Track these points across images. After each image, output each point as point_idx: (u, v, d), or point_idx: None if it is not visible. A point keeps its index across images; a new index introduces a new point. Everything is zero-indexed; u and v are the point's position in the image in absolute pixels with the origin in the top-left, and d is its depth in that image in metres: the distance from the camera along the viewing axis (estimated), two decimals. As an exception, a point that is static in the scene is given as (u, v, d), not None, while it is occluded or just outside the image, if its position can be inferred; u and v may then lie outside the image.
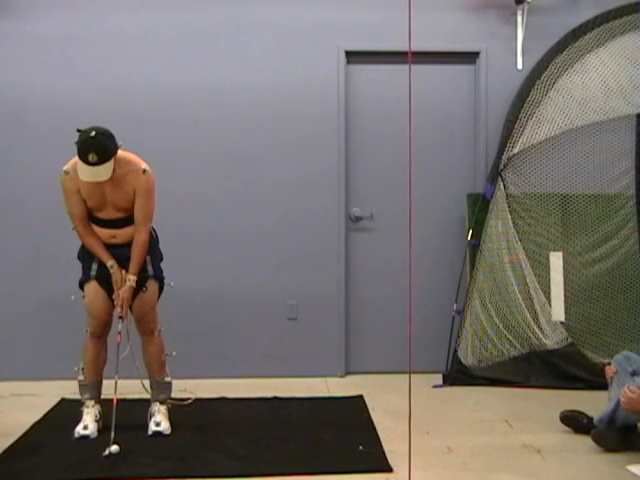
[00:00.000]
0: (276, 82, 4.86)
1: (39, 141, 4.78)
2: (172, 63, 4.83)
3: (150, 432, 3.68)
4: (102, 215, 3.61)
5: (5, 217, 4.81)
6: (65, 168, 3.56)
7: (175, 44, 4.83)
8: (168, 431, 3.69)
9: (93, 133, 3.33)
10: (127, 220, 3.63)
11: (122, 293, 3.60)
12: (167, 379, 3.82)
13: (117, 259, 3.65)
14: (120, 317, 3.62)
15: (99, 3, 4.80)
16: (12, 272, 4.82)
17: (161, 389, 3.80)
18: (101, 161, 3.33)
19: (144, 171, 3.56)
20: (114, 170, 3.41)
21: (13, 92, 4.78)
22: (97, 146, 3.31)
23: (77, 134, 3.38)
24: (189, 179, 4.84)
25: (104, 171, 3.36)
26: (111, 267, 3.62)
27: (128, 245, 3.64)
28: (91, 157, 3.30)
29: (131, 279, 3.60)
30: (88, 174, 3.36)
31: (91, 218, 3.65)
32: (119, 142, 3.46)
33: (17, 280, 4.83)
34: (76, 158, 3.42)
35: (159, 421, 3.71)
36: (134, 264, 3.61)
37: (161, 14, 4.82)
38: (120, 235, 3.65)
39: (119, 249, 3.66)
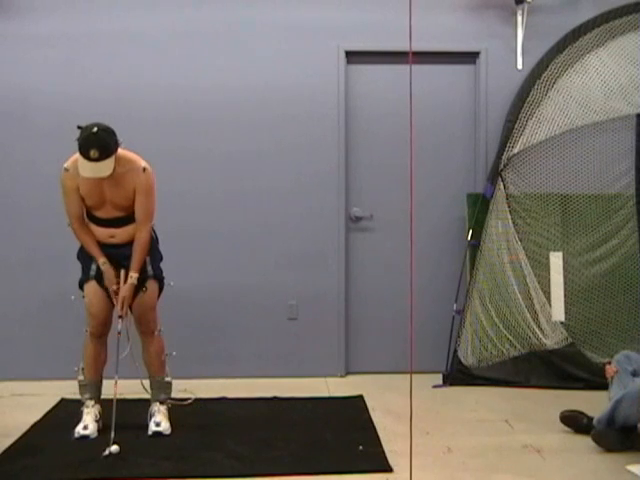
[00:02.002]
0: (276, 82, 4.86)
1: (39, 141, 4.78)
2: (172, 63, 4.83)
3: (150, 432, 3.68)
4: (101, 214, 3.61)
5: (6, 217, 4.81)
6: (65, 165, 3.57)
7: (174, 44, 4.83)
8: (168, 431, 3.69)
9: (95, 129, 3.34)
10: (126, 219, 3.62)
11: (123, 291, 3.60)
12: (167, 379, 3.82)
13: (116, 259, 3.64)
14: (120, 316, 3.61)
15: (99, 3, 4.80)
16: (12, 272, 4.82)
17: (161, 389, 3.79)
18: (102, 157, 3.33)
19: (144, 169, 3.56)
20: (114, 168, 3.41)
21: (13, 92, 4.78)
22: (98, 142, 3.32)
23: (78, 131, 3.38)
24: (189, 179, 4.84)
25: (105, 167, 3.36)
26: (103, 264, 3.62)
27: (127, 245, 3.64)
28: (92, 153, 3.30)
29: (132, 277, 3.60)
30: (89, 170, 3.36)
31: (89, 217, 3.65)
32: (120, 139, 3.46)
33: (17, 280, 4.83)
34: (77, 155, 3.43)
35: (159, 421, 3.71)
36: (135, 262, 3.61)
37: (161, 14, 4.82)
38: (118, 234, 3.64)
39: (118, 249, 3.66)
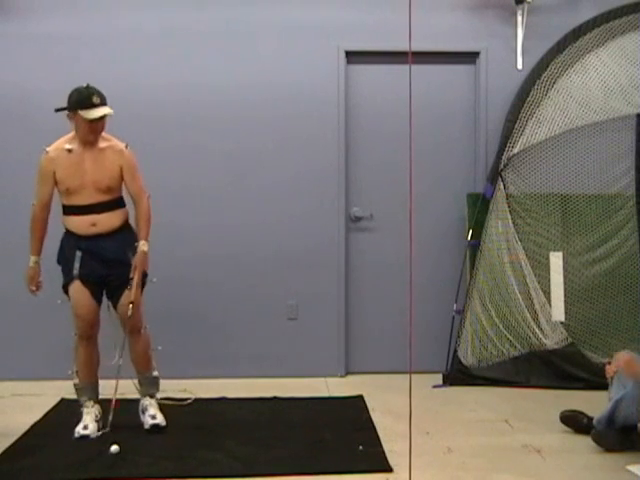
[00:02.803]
0: (276, 82, 4.87)
1: (39, 140, 4.75)
2: (171, 63, 4.83)
3: (147, 426, 3.71)
4: (81, 200, 3.60)
5: (5, 216, 4.81)
6: (47, 148, 3.64)
7: (174, 44, 4.83)
8: (164, 422, 3.73)
9: (85, 84, 3.56)
10: (107, 205, 3.63)
11: (135, 261, 3.61)
12: (155, 373, 3.86)
13: (98, 255, 3.63)
14: (131, 302, 3.58)
15: (99, 3, 4.80)
16: (12, 272, 4.82)
17: (150, 384, 3.83)
18: (103, 103, 3.54)
19: (126, 146, 3.68)
20: (96, 143, 3.58)
21: (13, 91, 4.78)
22: (95, 90, 3.54)
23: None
24: (188, 177, 4.84)
25: (107, 110, 3.53)
26: (34, 262, 3.72)
27: (109, 235, 3.64)
28: (95, 99, 3.51)
29: (144, 244, 3.62)
30: (95, 112, 3.50)
31: (68, 209, 3.64)
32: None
33: (17, 280, 4.82)
34: (60, 140, 3.60)
35: (154, 414, 3.74)
36: (143, 231, 3.65)
37: (161, 14, 4.82)
38: (100, 222, 3.62)
39: (99, 241, 3.63)
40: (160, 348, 3.88)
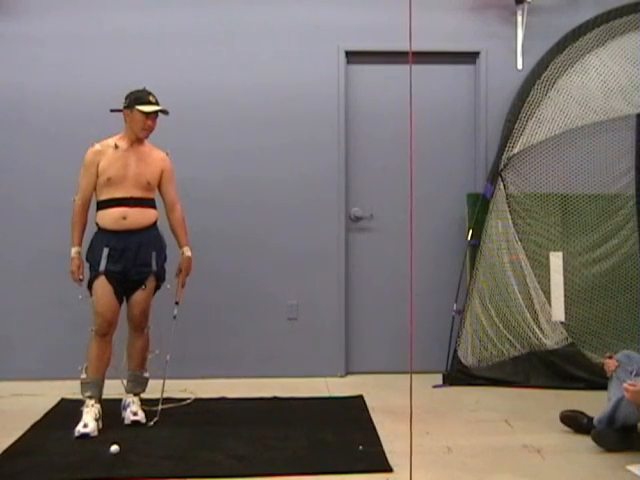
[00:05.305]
0: (276, 82, 4.87)
1: (38, 141, 4.78)
2: (172, 63, 4.83)
3: (128, 421, 3.78)
4: (118, 192, 3.72)
5: (4, 217, 4.81)
6: (96, 143, 3.78)
7: (174, 44, 4.83)
8: (144, 420, 3.79)
9: (143, 87, 3.84)
10: (140, 201, 3.76)
11: (182, 267, 3.93)
12: (146, 374, 3.93)
13: (124, 251, 3.71)
14: (176, 302, 3.86)
15: (98, 3, 4.80)
16: (12, 272, 4.82)
17: (138, 383, 3.91)
18: (157, 103, 3.82)
19: (167, 154, 3.94)
20: (145, 142, 3.84)
21: (11, 92, 4.78)
22: (151, 92, 3.84)
23: (120, 105, 3.80)
24: (188, 178, 4.82)
25: (162, 107, 3.82)
26: (77, 253, 3.77)
27: (137, 232, 3.74)
28: (151, 98, 3.81)
29: (187, 249, 3.95)
30: (151, 107, 3.78)
31: (104, 203, 3.73)
32: None
33: (17, 280, 4.83)
34: (108, 139, 3.75)
35: (136, 411, 3.81)
36: (183, 237, 3.96)
37: (161, 14, 4.82)
38: (131, 215, 3.72)
39: (128, 239, 3.72)
40: (157, 352, 3.92)
